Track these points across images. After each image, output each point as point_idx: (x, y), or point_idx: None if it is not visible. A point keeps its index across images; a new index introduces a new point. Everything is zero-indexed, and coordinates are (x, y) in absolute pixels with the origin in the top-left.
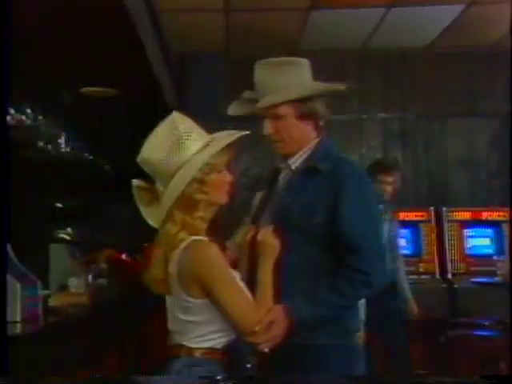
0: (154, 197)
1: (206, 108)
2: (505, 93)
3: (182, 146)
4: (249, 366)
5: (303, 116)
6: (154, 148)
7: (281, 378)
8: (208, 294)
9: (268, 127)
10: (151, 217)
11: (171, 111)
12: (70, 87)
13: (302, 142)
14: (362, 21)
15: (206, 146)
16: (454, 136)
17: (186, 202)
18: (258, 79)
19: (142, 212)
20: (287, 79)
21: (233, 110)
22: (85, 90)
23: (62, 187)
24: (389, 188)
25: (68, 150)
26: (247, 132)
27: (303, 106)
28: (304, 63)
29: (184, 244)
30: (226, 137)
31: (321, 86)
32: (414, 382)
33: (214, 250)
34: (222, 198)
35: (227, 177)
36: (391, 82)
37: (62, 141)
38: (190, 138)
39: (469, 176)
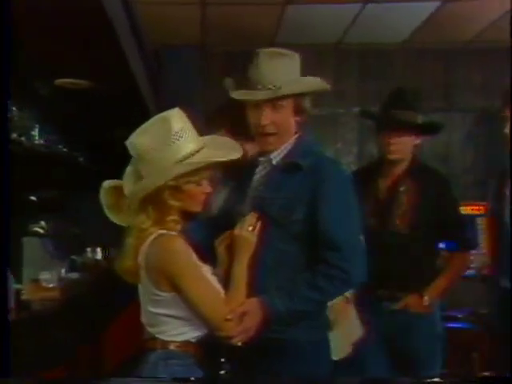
0: (120, 195)
1: (182, 101)
2: (480, 89)
3: (171, 146)
4: (223, 360)
5: (298, 110)
6: (144, 139)
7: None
8: (175, 287)
9: (266, 118)
10: (114, 213)
11: (147, 104)
12: (45, 79)
13: (287, 137)
14: (338, 16)
15: (191, 155)
16: None
17: (160, 204)
18: (264, 67)
19: (106, 210)
20: (294, 70)
21: (239, 94)
22: (59, 81)
23: (36, 180)
24: None
25: (42, 142)
26: (234, 157)
27: (301, 100)
28: (298, 57)
29: (151, 238)
30: (212, 152)
31: (323, 82)
32: (415, 382)
33: (179, 244)
34: (197, 207)
35: (206, 189)
36: (367, 76)
37: (35, 133)
38: (180, 140)
39: (444, 171)
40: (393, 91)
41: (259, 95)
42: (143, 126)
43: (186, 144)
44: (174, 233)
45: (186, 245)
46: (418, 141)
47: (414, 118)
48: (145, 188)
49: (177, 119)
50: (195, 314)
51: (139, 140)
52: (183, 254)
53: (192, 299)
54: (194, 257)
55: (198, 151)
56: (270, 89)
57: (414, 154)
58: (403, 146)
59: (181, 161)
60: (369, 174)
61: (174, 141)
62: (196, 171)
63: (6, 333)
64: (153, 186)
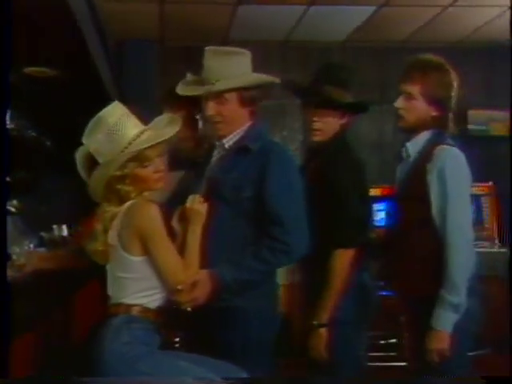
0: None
1: (141, 93)
2: None
3: (112, 139)
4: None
5: (244, 102)
6: (91, 139)
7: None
8: (145, 248)
9: (211, 109)
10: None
11: (109, 93)
12: (15, 66)
13: (238, 125)
14: (285, 16)
15: (133, 140)
16: (365, 121)
17: (117, 192)
18: (209, 64)
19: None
20: (238, 67)
21: (183, 90)
22: (27, 69)
23: (9, 162)
24: None
25: (13, 126)
26: (170, 134)
27: (246, 93)
28: (248, 54)
29: (127, 204)
30: (153, 134)
31: (264, 77)
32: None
33: (154, 209)
34: (155, 185)
35: (159, 167)
36: (310, 71)
37: (6, 117)
38: (118, 132)
39: (378, 157)
40: (324, 66)
41: (198, 90)
42: (87, 129)
43: (125, 133)
44: (148, 197)
45: (159, 211)
46: (343, 120)
47: (343, 97)
48: (95, 180)
49: (111, 114)
50: (158, 273)
51: (87, 141)
52: (157, 217)
53: (158, 259)
54: (163, 224)
55: (139, 136)
56: (212, 84)
57: (336, 135)
58: (326, 126)
59: (125, 148)
60: (304, 161)
61: (114, 133)
62: (140, 155)
63: (6, 333)
64: (101, 177)
